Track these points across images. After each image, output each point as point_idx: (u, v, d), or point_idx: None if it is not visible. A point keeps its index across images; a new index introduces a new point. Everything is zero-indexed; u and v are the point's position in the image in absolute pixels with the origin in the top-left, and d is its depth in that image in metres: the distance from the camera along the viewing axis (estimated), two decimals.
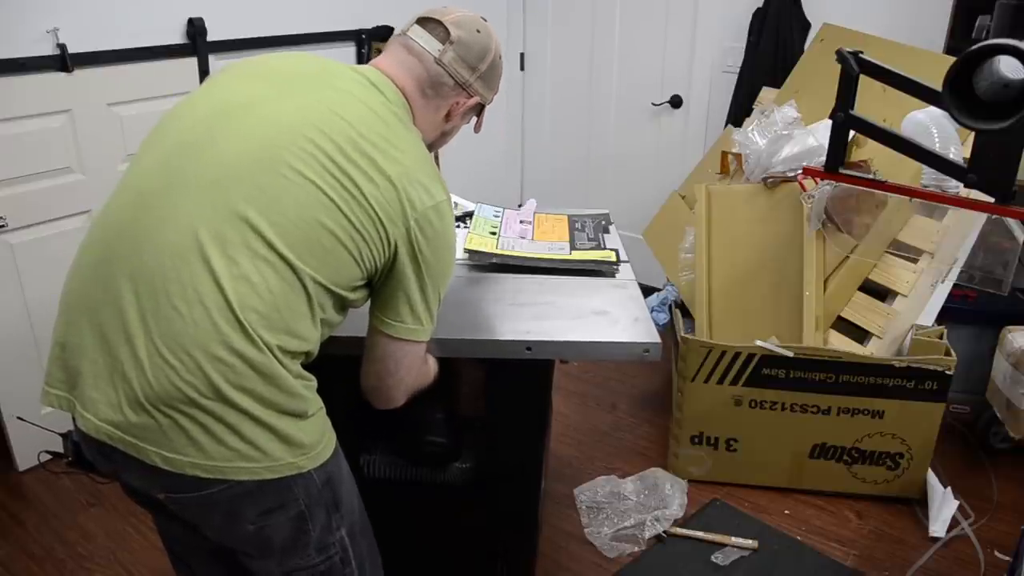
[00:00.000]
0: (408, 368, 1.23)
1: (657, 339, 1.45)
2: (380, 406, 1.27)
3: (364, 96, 1.17)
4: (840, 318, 2.33)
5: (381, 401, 1.26)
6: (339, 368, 1.21)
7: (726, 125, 3.12)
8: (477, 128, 1.40)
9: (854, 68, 1.60)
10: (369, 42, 3.15)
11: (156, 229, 1.04)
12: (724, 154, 2.76)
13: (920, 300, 2.27)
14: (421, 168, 1.15)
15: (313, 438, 1.13)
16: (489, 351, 1.46)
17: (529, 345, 1.44)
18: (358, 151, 1.09)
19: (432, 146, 1.34)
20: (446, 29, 1.24)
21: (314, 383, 1.16)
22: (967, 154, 1.50)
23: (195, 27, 2.59)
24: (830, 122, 1.69)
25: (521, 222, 1.98)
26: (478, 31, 1.27)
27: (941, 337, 2.22)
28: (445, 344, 1.40)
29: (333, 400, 1.19)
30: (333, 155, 1.08)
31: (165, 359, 1.01)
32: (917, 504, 2.32)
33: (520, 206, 2.14)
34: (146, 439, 1.02)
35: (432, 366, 1.35)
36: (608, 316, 1.55)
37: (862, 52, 1.60)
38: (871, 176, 1.72)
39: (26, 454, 2.47)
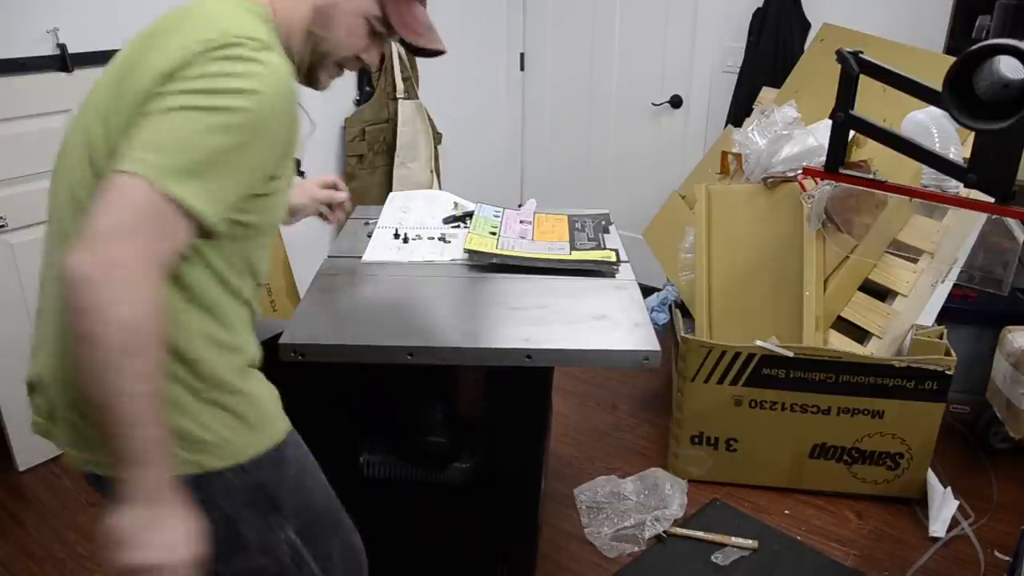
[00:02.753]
0: (120, 210, 0.87)
1: (657, 347, 1.44)
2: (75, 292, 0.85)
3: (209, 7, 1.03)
4: (840, 318, 2.33)
5: (77, 276, 0.85)
6: (338, 371, 1.21)
7: (726, 125, 3.12)
8: (373, 59, 1.17)
9: (854, 68, 1.60)
10: None
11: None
12: (724, 154, 2.76)
13: (920, 300, 2.27)
14: (220, 18, 0.97)
15: (222, 434, 1.03)
16: (489, 359, 1.45)
17: (529, 353, 1.42)
18: (140, 50, 1.02)
19: (317, 58, 1.13)
20: None
21: (235, 363, 1.05)
22: (967, 154, 1.50)
23: None
24: (830, 122, 1.69)
25: (521, 222, 1.97)
26: None
27: (941, 337, 2.22)
28: (445, 352, 1.39)
29: (332, 402, 1.19)
30: (109, 90, 1.02)
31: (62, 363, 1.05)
32: (917, 504, 2.32)
33: (520, 206, 2.13)
34: (76, 444, 1.07)
35: (161, 296, 0.90)
36: (608, 320, 1.53)
37: (862, 52, 1.60)
38: (871, 176, 1.72)
39: (26, 454, 2.47)
